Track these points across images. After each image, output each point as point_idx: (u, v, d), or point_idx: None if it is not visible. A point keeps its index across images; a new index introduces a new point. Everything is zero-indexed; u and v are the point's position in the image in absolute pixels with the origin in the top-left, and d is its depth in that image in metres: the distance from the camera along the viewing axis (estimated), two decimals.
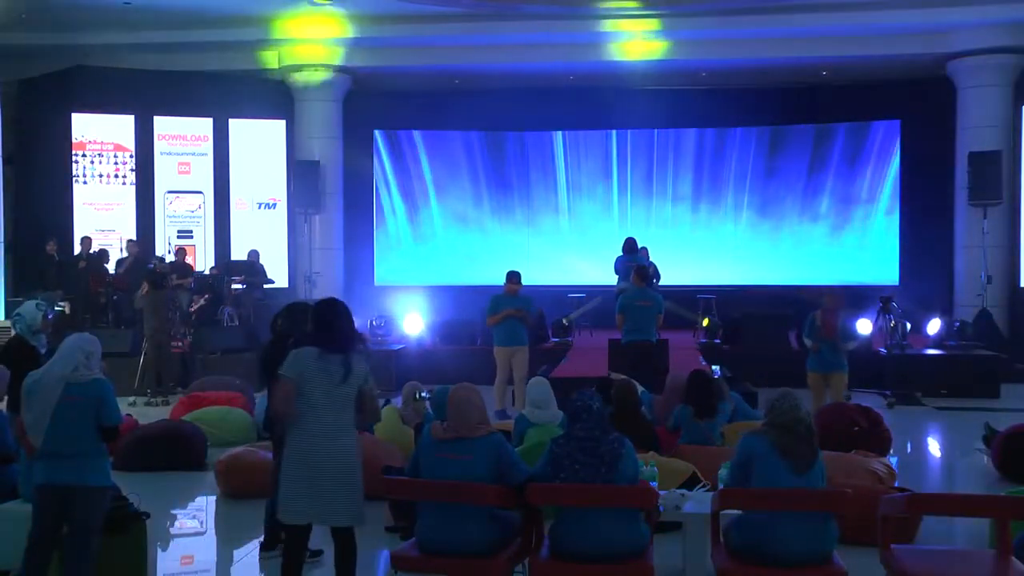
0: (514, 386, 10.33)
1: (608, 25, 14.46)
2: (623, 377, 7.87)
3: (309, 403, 4.50)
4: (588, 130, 17.28)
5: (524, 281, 10.53)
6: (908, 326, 12.93)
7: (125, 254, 14.42)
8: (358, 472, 4.54)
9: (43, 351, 6.75)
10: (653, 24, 14.44)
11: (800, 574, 4.25)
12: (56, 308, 12.02)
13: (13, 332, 7.38)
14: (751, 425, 6.36)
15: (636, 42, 15.00)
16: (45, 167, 15.46)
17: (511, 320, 10.25)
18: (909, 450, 9.30)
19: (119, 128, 16.01)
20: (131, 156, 16.04)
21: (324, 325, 4.65)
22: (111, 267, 14.14)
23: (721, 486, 5.13)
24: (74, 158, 15.76)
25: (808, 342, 9.06)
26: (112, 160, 15.98)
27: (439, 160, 17.57)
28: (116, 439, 4.77)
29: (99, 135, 15.92)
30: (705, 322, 14.12)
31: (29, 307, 7.15)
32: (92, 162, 15.90)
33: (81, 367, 4.58)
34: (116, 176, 16.02)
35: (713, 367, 8.19)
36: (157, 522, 5.96)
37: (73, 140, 15.73)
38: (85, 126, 15.87)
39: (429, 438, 4.63)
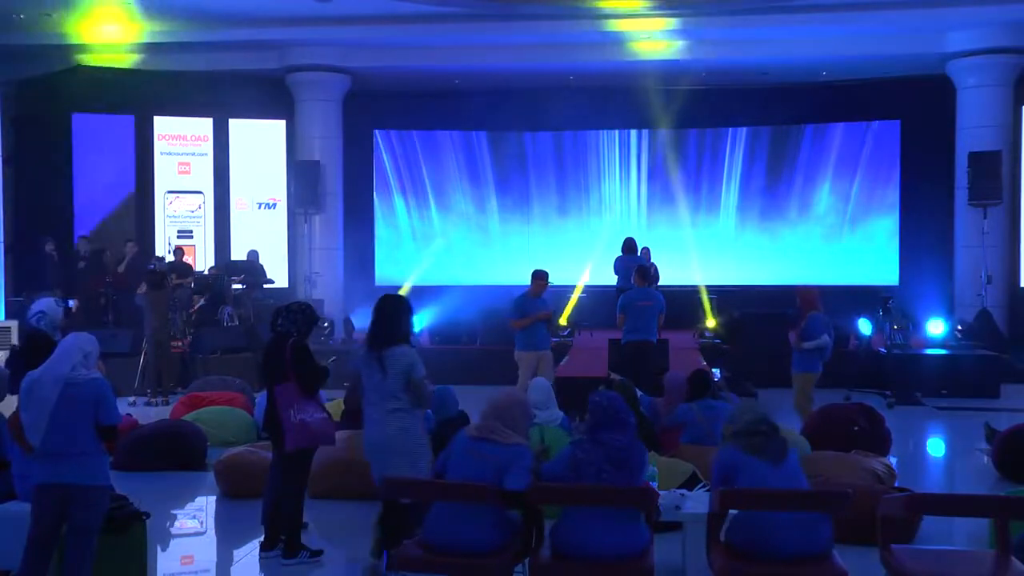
0: None
1: (608, 25, 14.44)
2: (621, 378, 7.88)
3: (364, 393, 5.26)
4: (588, 130, 17.27)
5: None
6: (910, 327, 12.92)
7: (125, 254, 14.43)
8: (415, 448, 5.15)
9: None
10: (654, 24, 14.43)
11: (799, 570, 4.25)
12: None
13: (34, 328, 7.29)
14: None
15: (637, 42, 15.00)
16: (45, 167, 15.46)
17: (537, 323, 9.71)
18: (909, 450, 9.29)
19: (119, 128, 16.01)
20: (131, 156, 16.04)
21: (372, 323, 5.27)
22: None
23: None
24: (74, 158, 15.77)
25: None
26: (113, 159, 15.97)
27: (439, 160, 17.57)
28: (115, 439, 4.77)
29: (99, 135, 15.93)
30: (713, 323, 14.10)
31: (50, 303, 7.10)
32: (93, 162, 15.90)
33: (79, 366, 4.57)
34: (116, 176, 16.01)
35: (713, 369, 8.15)
36: (157, 522, 5.96)
37: (73, 140, 15.74)
38: (85, 126, 15.87)
39: (463, 433, 4.73)
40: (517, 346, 9.69)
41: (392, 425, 5.11)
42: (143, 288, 11.84)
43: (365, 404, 5.26)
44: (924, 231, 15.79)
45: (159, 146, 16.23)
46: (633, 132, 17.23)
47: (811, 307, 8.65)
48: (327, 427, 5.76)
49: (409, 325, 5.32)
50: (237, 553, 6.26)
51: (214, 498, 7.38)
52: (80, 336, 4.76)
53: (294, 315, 5.83)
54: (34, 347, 6.51)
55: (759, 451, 4.41)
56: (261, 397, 8.30)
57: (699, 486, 5.72)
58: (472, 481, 4.45)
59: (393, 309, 5.25)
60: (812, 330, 8.58)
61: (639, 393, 7.65)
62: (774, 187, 16.96)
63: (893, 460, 8.00)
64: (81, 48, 15.00)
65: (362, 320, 14.61)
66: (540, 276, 9.78)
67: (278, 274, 15.86)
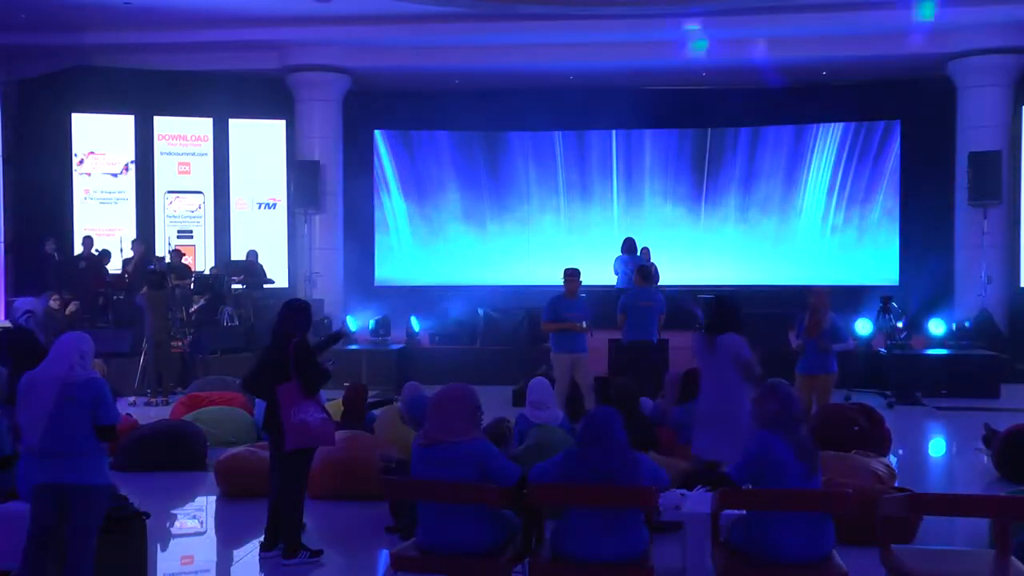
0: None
1: (608, 25, 14.42)
2: (622, 379, 7.88)
3: (701, 371, 6.67)
4: (588, 130, 17.26)
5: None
6: (910, 327, 12.90)
7: (131, 254, 14.43)
8: (735, 418, 6.05)
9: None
10: (653, 24, 14.41)
11: (800, 573, 4.25)
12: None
13: (21, 327, 7.29)
14: None
15: (637, 42, 14.98)
16: (45, 167, 15.45)
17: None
18: (909, 450, 9.29)
19: (119, 128, 16.01)
20: (131, 156, 16.04)
21: (706, 316, 6.83)
22: (118, 267, 14.15)
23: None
24: (74, 158, 15.77)
25: (797, 343, 8.94)
26: (111, 160, 15.97)
27: (439, 160, 17.55)
28: (113, 438, 4.76)
29: (99, 135, 15.93)
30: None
31: (34, 302, 7.09)
32: (92, 162, 15.89)
33: (77, 366, 4.57)
34: (116, 176, 16.02)
35: None
36: (157, 522, 5.96)
37: (73, 140, 15.74)
38: (85, 126, 15.87)
39: (415, 444, 4.64)
40: (552, 347, 9.56)
41: (731, 393, 6.23)
42: (144, 288, 11.87)
43: (702, 379, 6.53)
44: (924, 231, 15.78)
45: (159, 146, 16.22)
46: (633, 132, 17.21)
47: (825, 308, 8.63)
48: (327, 427, 5.75)
49: (736, 319, 6.59)
50: (237, 553, 6.26)
51: (214, 498, 7.37)
52: (76, 336, 4.75)
53: (293, 314, 5.84)
54: (16, 343, 6.44)
55: (802, 454, 4.32)
56: None
57: (699, 486, 5.71)
58: None
59: (725, 307, 6.68)
60: (840, 332, 8.60)
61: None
62: (774, 187, 16.94)
63: (893, 460, 8.00)
64: (82, 48, 14.99)
65: (361, 319, 14.61)
66: (571, 275, 9.59)
67: (278, 274, 15.86)
